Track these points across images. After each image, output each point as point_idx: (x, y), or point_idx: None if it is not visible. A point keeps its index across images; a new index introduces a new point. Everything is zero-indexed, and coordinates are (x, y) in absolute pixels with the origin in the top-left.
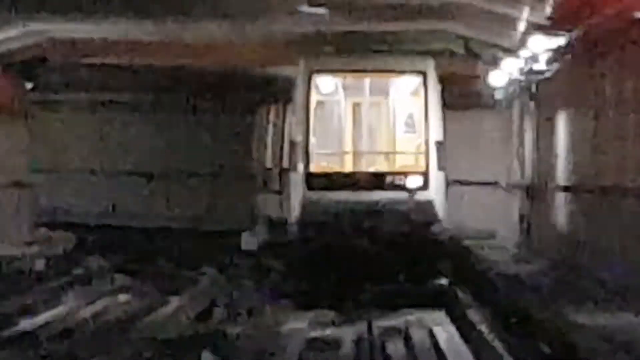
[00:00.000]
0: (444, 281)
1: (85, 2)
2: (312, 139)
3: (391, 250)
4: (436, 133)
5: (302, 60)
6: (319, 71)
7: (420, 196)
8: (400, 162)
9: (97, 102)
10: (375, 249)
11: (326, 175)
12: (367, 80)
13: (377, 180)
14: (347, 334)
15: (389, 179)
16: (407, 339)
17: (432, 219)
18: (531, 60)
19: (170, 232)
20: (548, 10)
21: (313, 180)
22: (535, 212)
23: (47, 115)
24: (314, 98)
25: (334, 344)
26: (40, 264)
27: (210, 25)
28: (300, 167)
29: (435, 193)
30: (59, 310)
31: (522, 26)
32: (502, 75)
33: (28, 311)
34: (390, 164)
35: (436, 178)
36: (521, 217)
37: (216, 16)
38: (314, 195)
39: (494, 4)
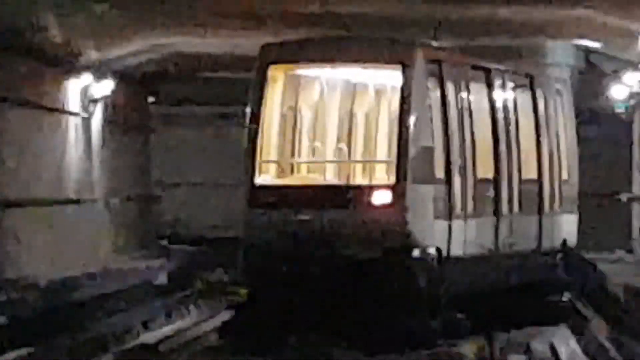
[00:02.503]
0: (565, 296)
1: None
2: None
3: (354, 283)
4: (418, 137)
5: (259, 50)
6: (275, 62)
7: (388, 216)
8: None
9: (216, 115)
10: (332, 281)
11: (275, 189)
12: (347, 73)
13: (337, 196)
14: (469, 349)
15: (350, 194)
16: (529, 353)
17: (403, 243)
18: None
19: None
20: None
21: (258, 195)
22: None
23: (167, 129)
24: (275, 94)
25: (457, 357)
26: (162, 277)
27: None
28: (246, 180)
29: (409, 211)
30: (180, 323)
31: None
32: (623, 89)
33: (149, 324)
34: (371, 175)
35: (413, 193)
36: None
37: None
38: (259, 214)
39: (615, 18)
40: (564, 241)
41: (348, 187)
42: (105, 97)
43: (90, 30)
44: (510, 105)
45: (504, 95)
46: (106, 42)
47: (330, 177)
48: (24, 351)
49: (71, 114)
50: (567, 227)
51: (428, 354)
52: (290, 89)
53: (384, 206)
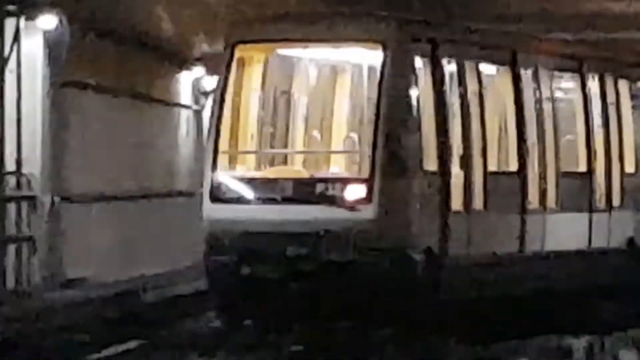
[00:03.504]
0: None
1: None
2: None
3: (325, 288)
4: (398, 125)
5: (226, 28)
6: (242, 42)
7: (362, 213)
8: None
9: None
10: (302, 286)
11: (240, 183)
12: (325, 52)
13: (306, 190)
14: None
15: (320, 188)
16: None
17: (376, 244)
18: None
19: None
20: None
21: (220, 190)
22: None
23: None
24: (244, 77)
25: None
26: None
27: None
28: (207, 172)
29: (387, 208)
30: None
31: None
32: None
33: None
34: (348, 166)
35: (390, 187)
36: None
37: None
38: (220, 210)
39: None
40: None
41: (317, 180)
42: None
43: (201, 23)
44: (545, 91)
45: (531, 79)
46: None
47: (299, 169)
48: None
49: (183, 106)
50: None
51: None
52: (259, 70)
53: (357, 202)
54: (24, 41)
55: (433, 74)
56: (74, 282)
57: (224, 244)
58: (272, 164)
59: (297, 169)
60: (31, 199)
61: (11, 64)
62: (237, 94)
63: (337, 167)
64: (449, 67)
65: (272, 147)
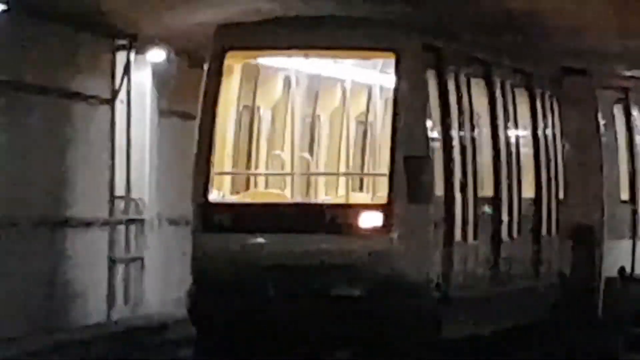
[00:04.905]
0: None
1: None
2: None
3: (331, 328)
4: (411, 144)
5: (214, 31)
6: (234, 48)
7: (378, 243)
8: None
9: None
10: (308, 324)
11: (235, 209)
12: (324, 62)
13: (314, 218)
14: None
15: (330, 215)
16: None
17: (395, 277)
18: None
19: None
20: None
21: (214, 216)
22: None
23: None
24: (232, 88)
25: None
26: None
27: None
28: (197, 196)
29: (404, 239)
30: None
31: None
32: None
33: None
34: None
35: (408, 215)
36: None
37: None
38: (214, 239)
39: None
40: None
41: (328, 207)
42: None
43: None
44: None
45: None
46: None
47: (297, 193)
48: None
49: None
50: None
51: None
52: (251, 81)
53: (373, 230)
54: (134, 73)
55: (441, 87)
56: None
57: (217, 278)
58: (248, 187)
59: (295, 193)
60: (140, 221)
61: (121, 95)
62: (227, 107)
63: (330, 194)
64: (453, 80)
65: (267, 168)
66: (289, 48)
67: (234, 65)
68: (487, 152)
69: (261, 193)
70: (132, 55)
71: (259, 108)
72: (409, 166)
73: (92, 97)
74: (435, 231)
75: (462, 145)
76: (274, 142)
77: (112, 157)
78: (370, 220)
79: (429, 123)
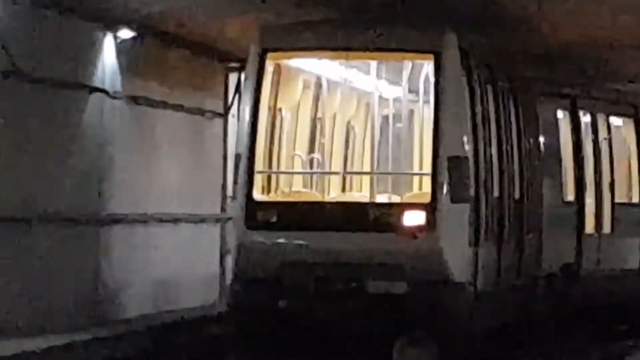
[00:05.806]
0: None
1: None
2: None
3: (376, 324)
4: (453, 145)
5: (257, 32)
6: (276, 49)
7: (424, 242)
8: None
9: None
10: (350, 321)
11: (280, 207)
12: (373, 65)
13: (357, 216)
14: None
15: (374, 213)
16: None
17: (440, 276)
18: None
19: None
20: None
21: (258, 215)
22: None
23: None
24: (276, 89)
25: None
26: None
27: None
28: (241, 194)
29: (447, 237)
30: None
31: None
32: None
33: None
34: (404, 191)
35: (450, 214)
36: None
37: None
38: (258, 237)
39: None
40: None
41: (371, 205)
42: None
43: None
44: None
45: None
46: None
47: (334, 193)
48: None
49: None
50: None
51: None
52: (291, 82)
53: (417, 229)
54: None
55: (471, 88)
56: None
57: (259, 275)
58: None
59: (332, 192)
60: None
61: (233, 110)
62: (269, 107)
63: (366, 192)
64: (481, 81)
65: (304, 168)
66: (329, 49)
67: (275, 66)
68: (511, 156)
69: (301, 193)
70: (242, 76)
71: (297, 109)
72: (452, 166)
73: (209, 111)
74: (470, 229)
75: (490, 148)
76: (309, 143)
77: (225, 163)
78: (415, 218)
79: (468, 124)
